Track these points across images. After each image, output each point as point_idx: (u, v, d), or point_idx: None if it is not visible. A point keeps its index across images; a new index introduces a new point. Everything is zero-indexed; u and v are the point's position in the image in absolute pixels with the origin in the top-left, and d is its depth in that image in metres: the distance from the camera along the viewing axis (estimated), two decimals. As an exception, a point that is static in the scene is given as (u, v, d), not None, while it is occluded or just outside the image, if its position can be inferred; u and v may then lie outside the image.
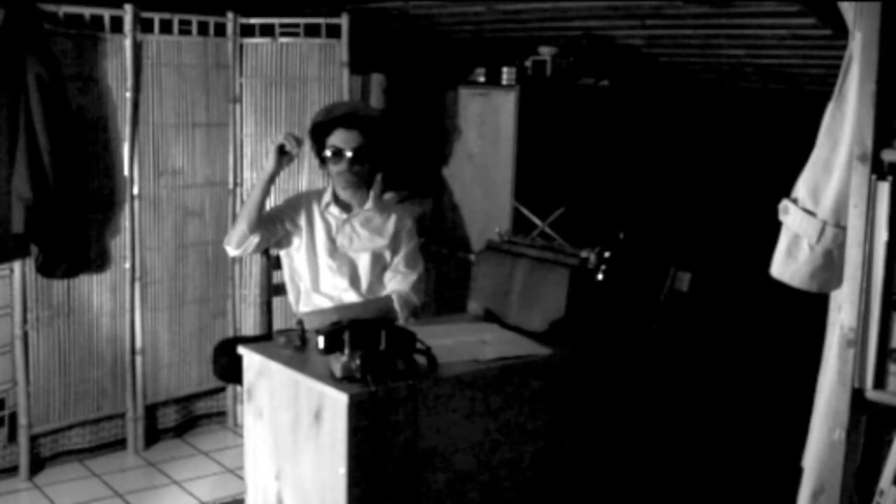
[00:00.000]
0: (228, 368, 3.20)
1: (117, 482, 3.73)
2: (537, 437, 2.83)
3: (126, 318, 3.95)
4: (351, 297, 3.34)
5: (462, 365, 2.66)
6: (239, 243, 3.30)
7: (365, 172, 3.41)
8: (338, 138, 3.36)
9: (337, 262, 3.36)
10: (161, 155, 3.98)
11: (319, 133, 3.41)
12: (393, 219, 3.44)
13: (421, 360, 2.57)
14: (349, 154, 3.34)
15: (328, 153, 3.38)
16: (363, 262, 3.37)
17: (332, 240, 3.37)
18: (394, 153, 3.56)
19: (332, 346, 2.51)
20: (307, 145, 3.42)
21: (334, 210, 3.40)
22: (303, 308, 3.38)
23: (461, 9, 4.19)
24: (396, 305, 3.32)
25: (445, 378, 2.59)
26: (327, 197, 3.41)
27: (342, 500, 2.44)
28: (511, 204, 4.33)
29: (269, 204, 4.26)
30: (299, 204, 3.42)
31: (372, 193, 3.46)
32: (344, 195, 3.42)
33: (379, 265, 3.40)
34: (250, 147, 4.20)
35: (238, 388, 4.19)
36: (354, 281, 3.36)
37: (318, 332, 2.58)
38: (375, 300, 3.35)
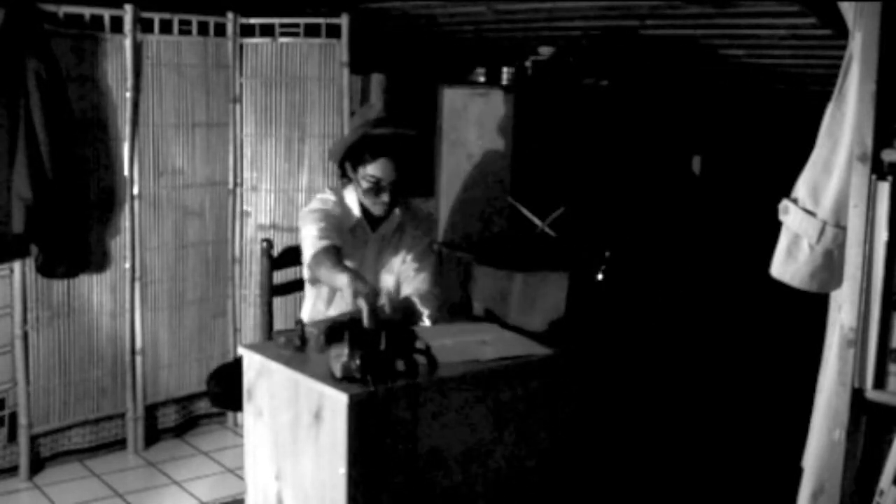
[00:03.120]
0: (222, 397, 3.19)
1: (117, 482, 3.73)
2: (537, 436, 2.83)
3: (126, 318, 3.95)
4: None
5: (462, 365, 2.66)
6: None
7: (399, 197, 3.14)
8: (378, 169, 3.05)
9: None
10: (161, 155, 3.98)
11: (357, 149, 3.10)
12: (411, 225, 3.23)
13: (421, 360, 2.56)
14: (389, 188, 3.06)
15: (364, 183, 3.08)
16: (385, 281, 3.18)
17: (354, 260, 3.13)
18: (421, 168, 3.27)
19: (333, 339, 2.60)
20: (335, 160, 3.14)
21: (363, 228, 3.17)
22: (307, 318, 3.27)
23: (461, 9, 4.19)
24: (418, 304, 3.10)
25: (445, 378, 2.59)
26: (356, 212, 3.15)
27: (342, 500, 2.44)
28: (510, 204, 4.33)
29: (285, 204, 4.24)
30: (341, 228, 3.14)
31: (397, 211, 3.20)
32: (372, 208, 3.15)
33: (398, 282, 3.20)
34: (250, 147, 4.20)
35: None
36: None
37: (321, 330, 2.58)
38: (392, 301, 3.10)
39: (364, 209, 3.16)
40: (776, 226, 2.36)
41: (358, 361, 2.44)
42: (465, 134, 4.56)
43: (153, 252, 4.00)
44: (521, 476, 2.81)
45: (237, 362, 3.02)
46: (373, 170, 3.05)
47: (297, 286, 3.55)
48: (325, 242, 2.99)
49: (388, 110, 3.44)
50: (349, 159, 3.13)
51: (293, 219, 4.13)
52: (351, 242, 3.15)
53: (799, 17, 3.39)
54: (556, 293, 2.93)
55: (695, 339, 4.28)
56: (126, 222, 3.90)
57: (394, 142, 3.08)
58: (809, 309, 2.53)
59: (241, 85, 4.16)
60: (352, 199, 3.16)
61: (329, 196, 3.21)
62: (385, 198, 3.08)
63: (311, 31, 4.16)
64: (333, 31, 4.15)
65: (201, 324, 4.18)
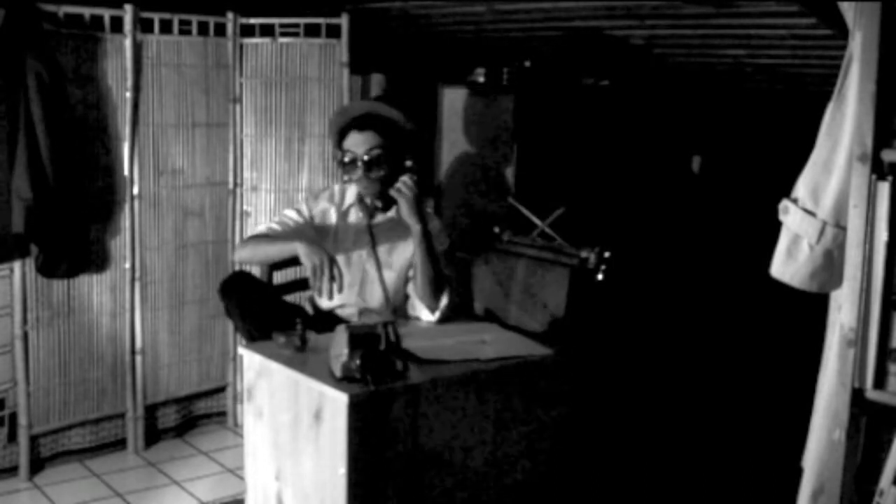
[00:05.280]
0: (236, 307, 3.11)
1: (117, 482, 3.73)
2: (537, 436, 2.83)
3: (126, 318, 3.95)
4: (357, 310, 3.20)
5: (462, 365, 2.66)
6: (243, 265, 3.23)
7: (385, 177, 3.12)
8: (352, 142, 3.13)
9: (349, 275, 3.18)
10: (161, 155, 3.98)
11: (339, 137, 3.20)
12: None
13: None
14: (364, 158, 3.10)
15: (345, 159, 3.14)
16: (385, 277, 3.18)
17: (347, 250, 3.18)
18: (416, 155, 3.16)
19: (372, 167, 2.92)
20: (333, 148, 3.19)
21: (357, 214, 3.20)
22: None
23: (461, 9, 4.19)
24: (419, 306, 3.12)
25: (445, 378, 2.60)
26: (350, 198, 3.21)
27: (342, 500, 2.44)
28: (511, 204, 4.33)
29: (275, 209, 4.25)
30: (324, 227, 3.22)
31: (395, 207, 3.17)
32: (368, 198, 3.20)
33: (401, 279, 3.19)
34: (250, 147, 4.20)
35: (238, 387, 4.19)
36: (364, 295, 3.20)
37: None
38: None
39: (360, 198, 3.21)
40: (776, 226, 2.36)
41: (358, 361, 2.44)
42: (465, 134, 4.56)
43: (153, 252, 3.99)
44: (522, 475, 2.81)
45: (240, 273, 3.23)
46: (347, 144, 3.15)
47: (297, 286, 3.56)
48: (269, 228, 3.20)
49: (381, 96, 3.50)
50: (338, 148, 3.22)
51: (293, 219, 4.12)
52: (342, 227, 3.22)
53: (799, 17, 3.39)
54: (557, 292, 2.93)
55: (695, 339, 4.28)
56: (126, 222, 3.90)
57: (366, 117, 3.15)
58: (809, 309, 2.53)
59: (241, 85, 4.16)
60: (352, 188, 3.25)
61: (335, 186, 3.33)
62: (360, 171, 3.12)
63: (311, 31, 4.16)
64: (333, 31, 4.15)
65: (201, 324, 4.18)
